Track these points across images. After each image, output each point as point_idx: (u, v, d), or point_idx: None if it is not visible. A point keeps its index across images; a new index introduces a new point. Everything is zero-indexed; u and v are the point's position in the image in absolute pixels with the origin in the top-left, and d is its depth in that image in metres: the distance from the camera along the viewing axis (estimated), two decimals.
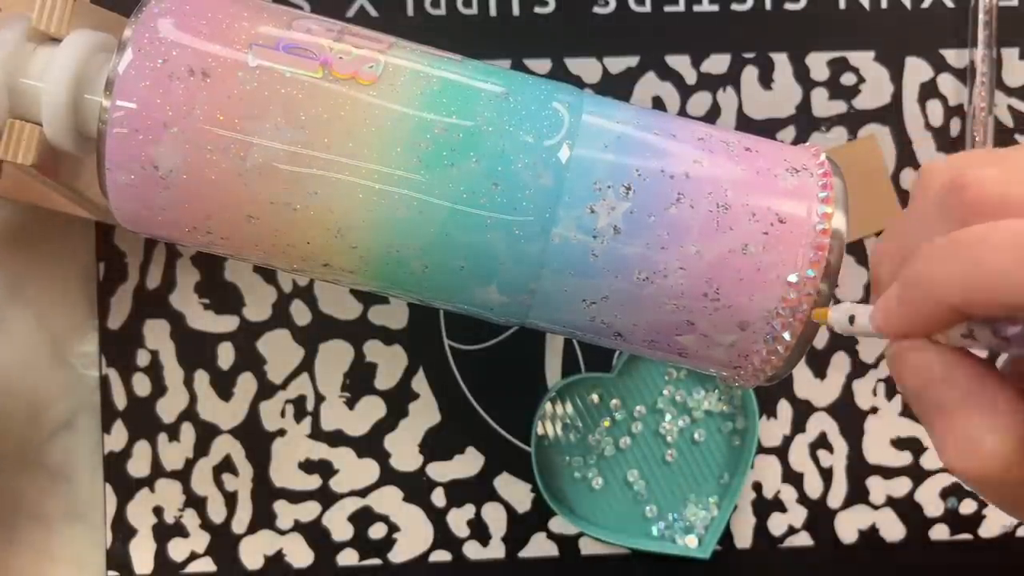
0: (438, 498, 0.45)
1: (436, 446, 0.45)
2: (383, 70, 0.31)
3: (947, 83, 0.47)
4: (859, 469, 0.46)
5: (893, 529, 0.46)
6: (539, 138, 0.31)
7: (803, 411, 0.46)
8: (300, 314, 0.45)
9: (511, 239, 0.31)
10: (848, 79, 0.47)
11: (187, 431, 0.45)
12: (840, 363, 0.46)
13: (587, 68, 0.46)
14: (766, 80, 0.47)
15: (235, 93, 0.30)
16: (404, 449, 0.45)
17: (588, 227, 0.31)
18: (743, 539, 0.46)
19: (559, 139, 0.31)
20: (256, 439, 0.45)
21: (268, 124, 0.30)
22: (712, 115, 0.46)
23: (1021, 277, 0.20)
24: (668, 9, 0.47)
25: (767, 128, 0.46)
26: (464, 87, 0.31)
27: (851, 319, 0.27)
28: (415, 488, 0.45)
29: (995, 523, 0.46)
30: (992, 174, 0.23)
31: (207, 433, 0.45)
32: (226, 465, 0.45)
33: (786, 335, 0.31)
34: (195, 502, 0.45)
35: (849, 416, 0.46)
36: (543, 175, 0.31)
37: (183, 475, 0.45)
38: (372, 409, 0.45)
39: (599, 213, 0.31)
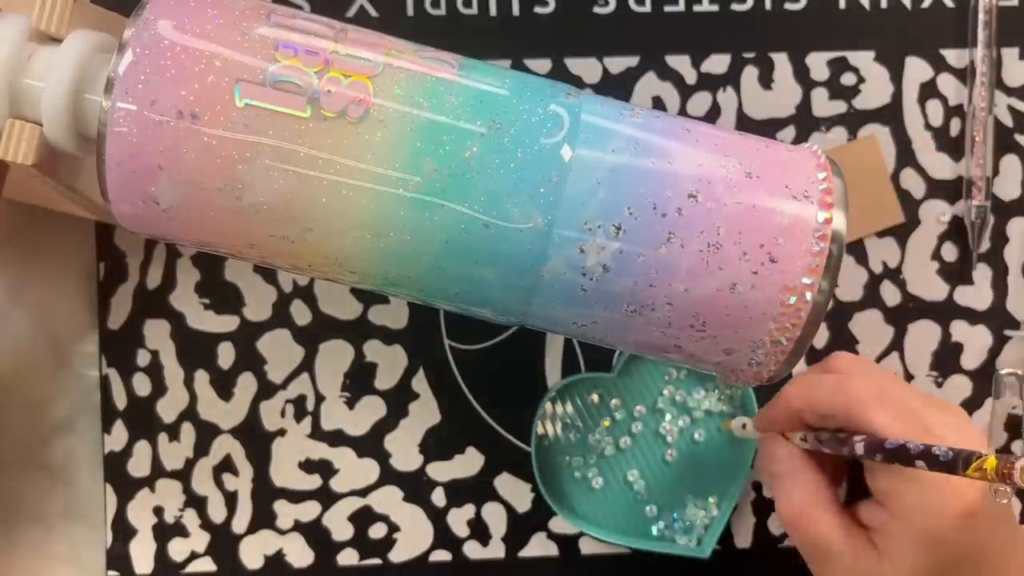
0: (438, 498, 0.45)
1: (436, 446, 0.45)
2: (372, 104, 0.30)
3: (947, 83, 0.47)
4: (858, 468, 0.46)
5: None
6: (530, 179, 0.31)
7: None
8: (300, 314, 0.45)
9: (501, 273, 0.31)
10: (848, 79, 0.47)
11: (187, 431, 0.45)
12: None
13: (587, 68, 0.46)
14: (766, 80, 0.47)
15: (225, 136, 0.30)
16: (404, 449, 0.45)
17: (577, 266, 0.31)
18: (743, 539, 0.46)
19: (551, 182, 0.31)
20: (256, 439, 0.45)
21: (259, 166, 0.30)
22: (712, 115, 0.46)
23: (832, 402, 0.36)
24: (668, 9, 0.47)
25: (767, 128, 0.46)
26: (453, 127, 0.31)
27: (743, 426, 0.42)
28: (415, 488, 0.45)
29: None
30: (853, 364, 0.39)
31: (207, 433, 0.45)
32: (226, 465, 0.45)
33: (771, 363, 0.32)
34: (195, 502, 0.45)
35: None
36: (533, 216, 0.30)
37: (183, 475, 0.45)
38: (372, 409, 0.45)
39: (588, 253, 0.31)
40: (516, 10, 0.46)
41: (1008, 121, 0.47)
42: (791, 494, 0.37)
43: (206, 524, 0.45)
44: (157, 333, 0.45)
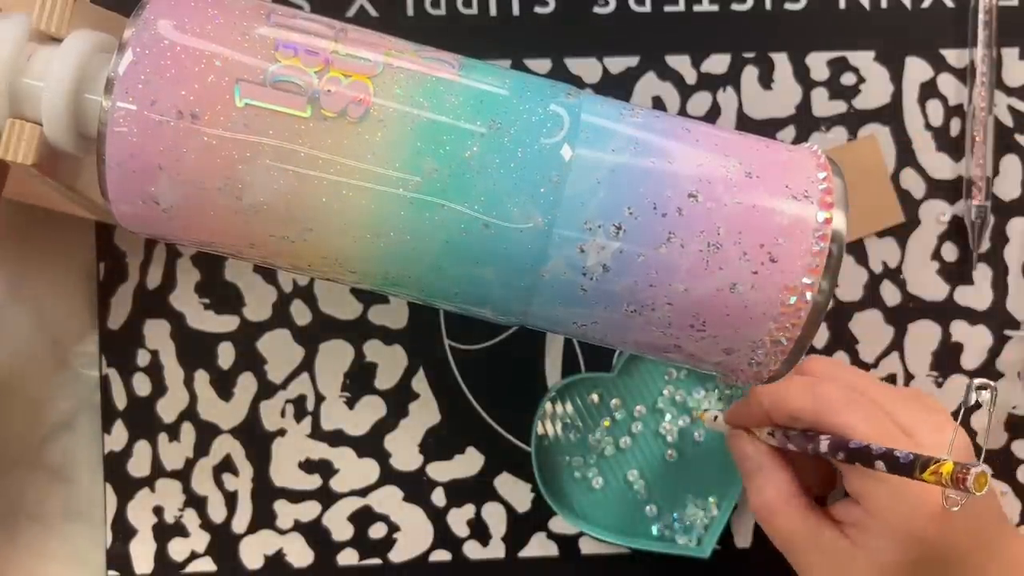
0: (438, 498, 0.45)
1: (436, 446, 0.45)
2: (372, 104, 0.30)
3: (947, 83, 0.47)
4: None
5: None
6: (530, 179, 0.30)
7: None
8: (300, 314, 0.45)
9: (501, 273, 0.31)
10: (848, 79, 0.47)
11: (187, 431, 0.45)
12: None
13: (587, 68, 0.46)
14: (766, 80, 0.47)
15: (225, 136, 0.30)
16: (404, 449, 0.45)
17: (577, 266, 0.31)
18: (743, 539, 0.46)
19: (551, 181, 0.30)
20: (256, 439, 0.45)
21: (259, 166, 0.30)
22: (712, 115, 0.46)
23: (797, 403, 0.37)
24: (668, 9, 0.47)
25: (767, 128, 0.46)
26: (453, 127, 0.31)
27: (715, 418, 0.43)
28: (415, 488, 0.45)
29: None
30: (827, 367, 0.40)
31: (207, 433, 0.45)
32: (226, 465, 0.45)
33: (771, 363, 0.32)
34: (195, 502, 0.45)
35: None
36: (533, 216, 0.30)
37: (183, 475, 0.45)
38: (372, 409, 0.45)
39: (588, 252, 0.30)
40: (516, 10, 0.46)
41: (1008, 121, 0.47)
42: (762, 489, 0.38)
43: (206, 524, 0.45)
44: (157, 333, 0.45)
